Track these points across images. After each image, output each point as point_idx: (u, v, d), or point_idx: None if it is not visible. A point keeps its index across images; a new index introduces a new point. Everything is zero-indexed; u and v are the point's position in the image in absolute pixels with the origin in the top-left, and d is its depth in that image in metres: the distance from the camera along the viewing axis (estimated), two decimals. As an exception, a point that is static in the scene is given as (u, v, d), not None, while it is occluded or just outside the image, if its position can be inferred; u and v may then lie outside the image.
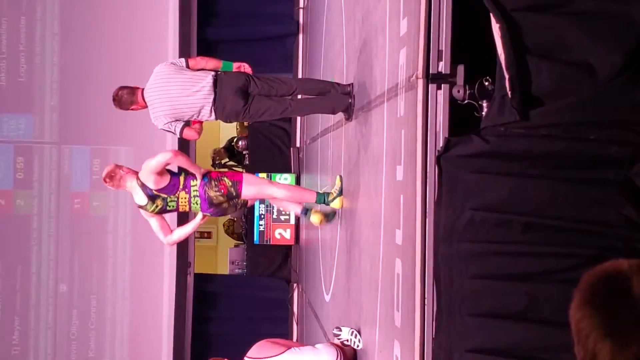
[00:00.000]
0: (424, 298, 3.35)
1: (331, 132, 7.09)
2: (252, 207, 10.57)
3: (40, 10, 9.94)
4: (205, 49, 10.41)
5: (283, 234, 10.47)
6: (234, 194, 6.10)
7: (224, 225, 12.65)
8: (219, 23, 10.63)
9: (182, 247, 10.17)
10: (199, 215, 6.28)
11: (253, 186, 6.18)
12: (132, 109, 6.27)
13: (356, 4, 5.59)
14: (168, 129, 6.04)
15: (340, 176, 6.25)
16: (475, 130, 3.17)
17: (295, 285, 10.65)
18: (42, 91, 9.96)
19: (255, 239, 10.56)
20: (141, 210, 6.25)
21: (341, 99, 5.74)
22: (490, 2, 3.10)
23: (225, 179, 6.14)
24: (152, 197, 6.03)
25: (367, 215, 4.83)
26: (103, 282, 10.13)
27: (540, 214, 3.09)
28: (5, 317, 10.04)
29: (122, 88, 6.25)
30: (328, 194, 6.29)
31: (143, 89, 6.13)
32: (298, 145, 10.53)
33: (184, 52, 9.93)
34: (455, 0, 3.31)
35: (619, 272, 1.62)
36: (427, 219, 3.36)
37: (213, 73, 5.95)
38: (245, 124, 11.62)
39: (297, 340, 10.35)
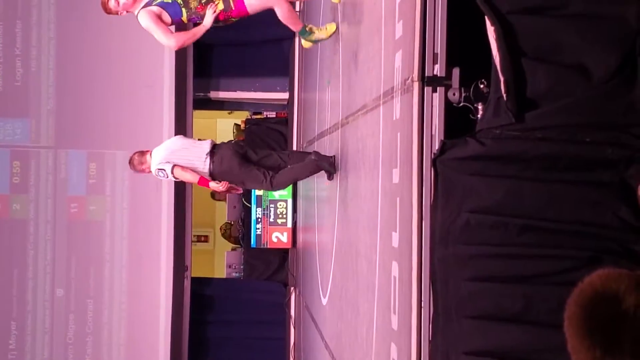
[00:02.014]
0: (421, 301, 3.35)
1: (327, 135, 7.10)
2: (249, 210, 10.58)
3: (36, 15, 9.93)
4: (201, 52, 10.42)
5: (280, 238, 10.48)
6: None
7: (220, 229, 12.65)
8: (215, 26, 10.61)
9: (179, 250, 10.17)
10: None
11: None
12: (142, 170, 6.83)
13: (352, 7, 5.60)
14: (161, 169, 6.55)
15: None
16: (471, 133, 3.17)
17: (292, 288, 10.65)
18: (39, 95, 9.96)
19: (252, 242, 10.56)
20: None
21: (321, 162, 6.40)
22: (485, 4, 3.11)
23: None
24: None
25: (363, 218, 4.83)
26: (100, 286, 10.13)
27: (536, 216, 3.09)
28: (2, 322, 10.03)
29: (135, 152, 6.88)
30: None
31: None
32: (295, 148, 10.53)
33: (180, 55, 9.93)
34: (450, 3, 3.32)
35: (607, 290, 1.61)
36: (423, 222, 3.36)
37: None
38: (242, 128, 11.65)
39: (294, 344, 10.36)
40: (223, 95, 10.95)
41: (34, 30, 9.94)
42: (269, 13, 10.51)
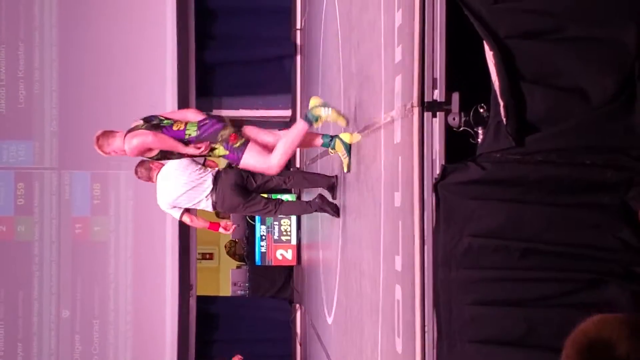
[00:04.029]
0: (424, 325, 3.36)
1: (330, 154, 7.11)
2: (254, 228, 10.60)
3: (39, 37, 9.98)
4: (204, 72, 10.46)
5: (284, 255, 10.49)
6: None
7: (225, 247, 12.67)
8: (216, 46, 10.68)
9: (184, 269, 10.18)
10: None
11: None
12: (147, 181, 6.83)
13: (352, 29, 5.62)
14: (169, 211, 6.70)
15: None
16: (472, 157, 3.19)
17: (297, 305, 10.64)
18: (42, 117, 10.00)
19: (257, 260, 10.57)
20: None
21: (324, 206, 6.32)
22: (484, 29, 3.13)
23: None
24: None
25: (367, 240, 4.84)
26: (105, 306, 10.14)
27: (538, 240, 3.10)
28: (8, 344, 10.03)
29: (144, 162, 6.75)
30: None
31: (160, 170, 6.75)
32: (298, 165, 10.55)
33: (183, 76, 9.97)
34: (449, 29, 3.34)
35: (601, 338, 1.63)
36: (425, 246, 3.37)
37: (214, 171, 6.59)
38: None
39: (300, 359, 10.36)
40: (226, 113, 10.96)
41: (36, 53, 9.99)
42: (269, 33, 10.60)
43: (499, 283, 3.12)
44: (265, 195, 6.77)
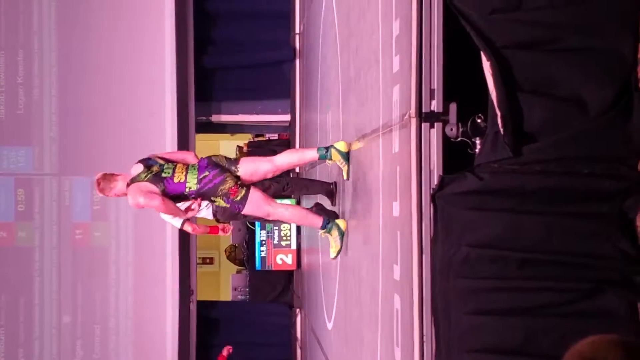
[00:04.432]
0: (423, 334, 3.36)
1: (329, 165, 7.11)
2: (253, 233, 10.60)
3: (38, 43, 9.99)
4: (203, 77, 10.46)
5: (284, 260, 10.50)
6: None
7: (225, 252, 12.67)
8: (215, 50, 10.68)
9: (184, 274, 10.18)
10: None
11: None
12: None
13: (350, 35, 5.62)
14: (170, 221, 6.64)
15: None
16: (469, 168, 3.20)
17: (298, 310, 10.65)
18: (41, 123, 10.00)
19: (257, 265, 10.58)
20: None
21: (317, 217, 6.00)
22: (481, 40, 3.14)
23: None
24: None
25: (365, 249, 4.84)
26: (106, 311, 10.14)
27: (536, 249, 3.11)
28: (9, 349, 10.04)
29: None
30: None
31: None
32: (298, 170, 10.55)
33: (182, 81, 9.97)
34: (446, 39, 3.35)
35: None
36: (423, 256, 3.38)
37: None
38: (245, 150, 11.70)
39: (301, 365, 10.36)
40: (225, 118, 10.98)
41: (35, 59, 9.99)
42: (268, 37, 10.60)
43: (497, 292, 3.13)
44: None
